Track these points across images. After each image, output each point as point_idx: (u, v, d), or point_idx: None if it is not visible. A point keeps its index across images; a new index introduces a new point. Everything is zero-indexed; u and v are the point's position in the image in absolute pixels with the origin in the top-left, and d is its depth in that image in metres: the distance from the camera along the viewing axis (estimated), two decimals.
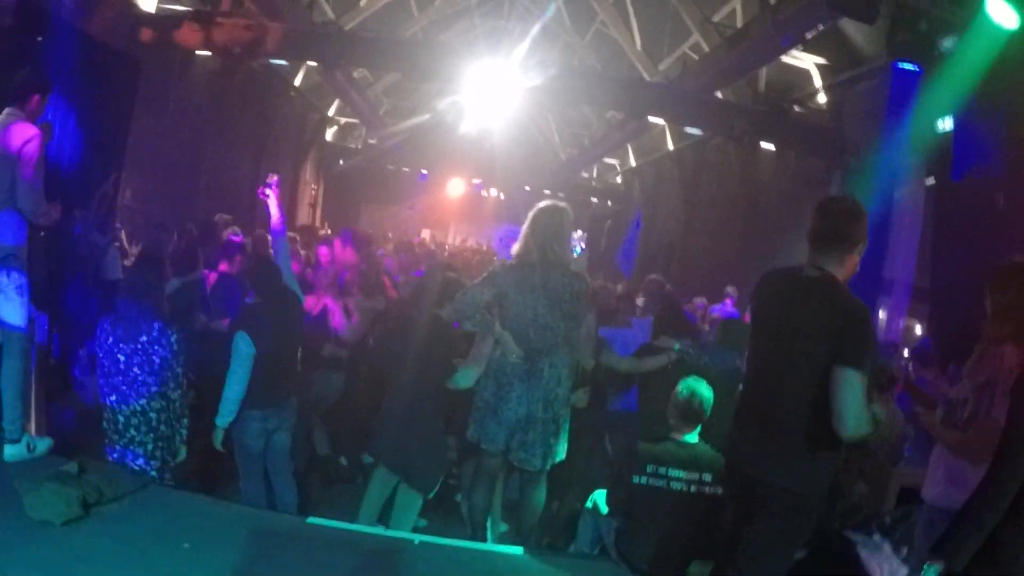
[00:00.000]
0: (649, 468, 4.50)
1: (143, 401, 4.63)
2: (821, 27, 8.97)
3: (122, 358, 4.61)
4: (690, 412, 4.67)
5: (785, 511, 3.47)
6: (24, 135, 4.61)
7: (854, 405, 3.24)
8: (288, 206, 20.84)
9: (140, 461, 4.70)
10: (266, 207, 5.66)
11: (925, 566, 2.90)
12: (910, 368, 7.67)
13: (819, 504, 3.54)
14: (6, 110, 4.70)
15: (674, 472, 4.49)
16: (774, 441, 3.53)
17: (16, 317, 4.73)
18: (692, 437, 4.68)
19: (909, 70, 8.11)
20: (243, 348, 5.00)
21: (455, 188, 28.43)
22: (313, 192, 25.23)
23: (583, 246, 5.23)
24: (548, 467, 4.95)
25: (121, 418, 4.66)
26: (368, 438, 5.46)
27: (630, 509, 4.60)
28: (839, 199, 3.75)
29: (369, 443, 5.44)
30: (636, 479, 4.50)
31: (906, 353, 9.16)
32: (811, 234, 3.57)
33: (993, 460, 2.93)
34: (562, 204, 5.03)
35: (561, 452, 4.97)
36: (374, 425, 5.32)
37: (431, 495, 5.24)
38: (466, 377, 4.93)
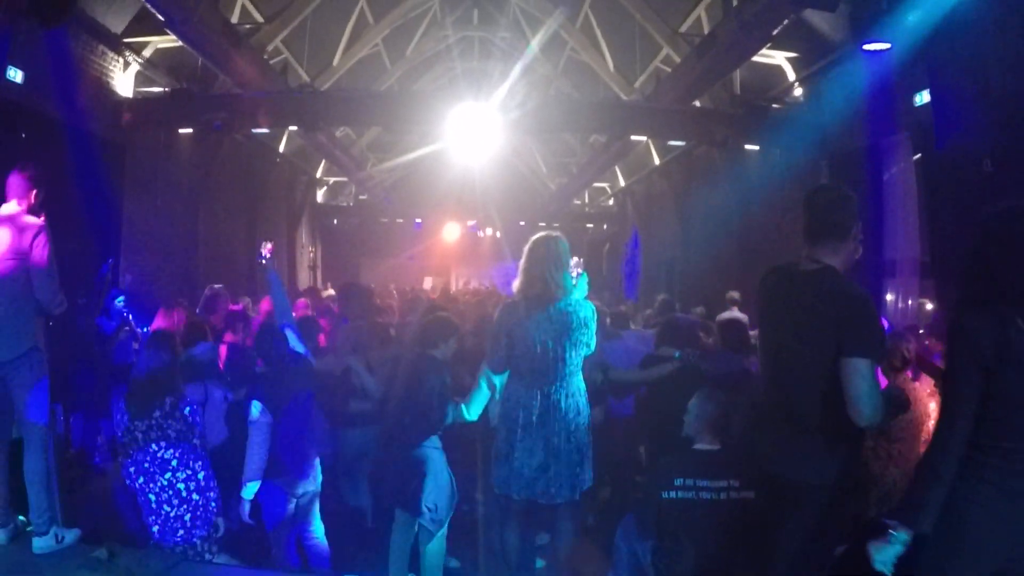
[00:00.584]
0: (677, 481, 4.45)
1: (168, 475, 4.63)
2: (786, 22, 9.06)
3: (140, 435, 4.63)
4: (711, 420, 4.66)
5: (812, 506, 3.45)
6: (34, 229, 4.68)
7: (866, 392, 3.24)
8: (288, 270, 20.96)
9: (181, 535, 4.68)
10: (269, 277, 5.68)
11: (892, 534, 2.89)
12: (927, 344, 7.64)
13: (846, 495, 3.51)
14: (6, 206, 4.76)
15: (702, 482, 4.46)
16: (793, 437, 3.52)
17: (38, 411, 4.75)
18: (715, 444, 4.66)
19: (878, 50, 8.15)
20: (259, 417, 5.01)
21: (451, 232, 28.54)
22: (311, 254, 25.38)
23: (578, 271, 5.20)
24: (578, 496, 4.89)
25: (152, 496, 4.66)
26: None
27: (664, 527, 4.56)
28: (823, 189, 3.78)
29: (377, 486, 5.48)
30: (665, 494, 4.47)
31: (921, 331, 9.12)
32: (804, 228, 3.59)
33: (939, 411, 2.95)
34: (555, 233, 5.01)
35: (588, 480, 4.91)
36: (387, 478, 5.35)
37: (443, 530, 5.23)
38: (470, 411, 5.04)
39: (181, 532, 4.68)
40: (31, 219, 4.75)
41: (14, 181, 4.79)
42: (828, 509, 3.45)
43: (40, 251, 4.68)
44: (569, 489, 4.79)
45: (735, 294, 11.37)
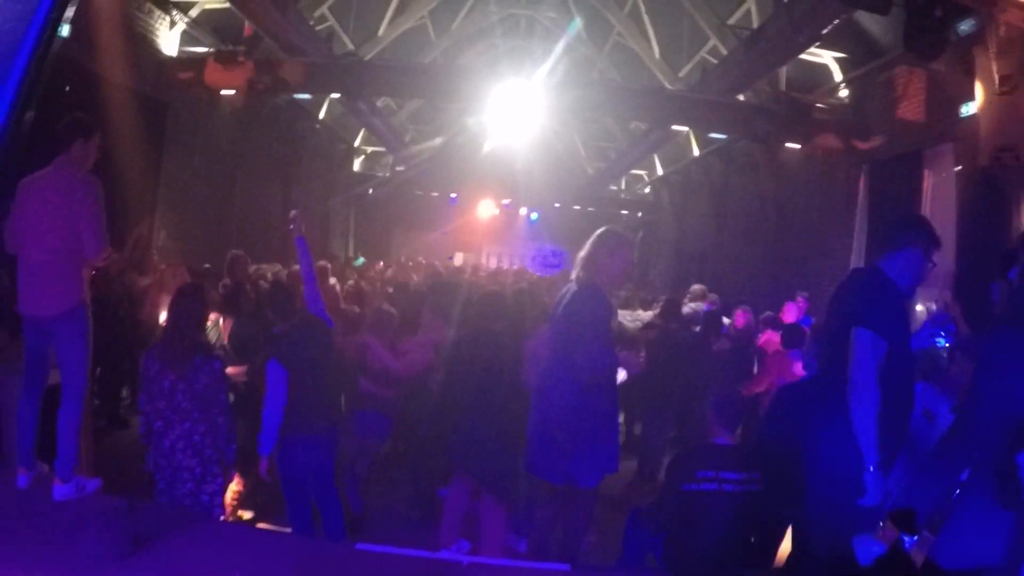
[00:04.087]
0: (700, 474, 4.48)
1: (187, 425, 4.73)
2: (836, 21, 8.94)
3: (167, 384, 4.71)
4: (726, 417, 4.67)
5: (817, 502, 3.50)
6: (78, 182, 4.70)
7: (858, 361, 3.37)
8: (320, 236, 21.07)
9: (188, 486, 4.77)
10: (296, 242, 5.71)
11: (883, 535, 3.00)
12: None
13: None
14: (55, 160, 4.78)
15: (725, 474, 4.47)
16: (823, 422, 3.60)
17: (80, 364, 4.83)
18: (731, 439, 4.67)
19: (928, 58, 8.02)
20: (274, 375, 5.11)
21: (485, 209, 28.47)
22: (345, 222, 25.51)
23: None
24: (559, 484, 4.95)
25: (167, 443, 4.75)
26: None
27: (681, 518, 4.58)
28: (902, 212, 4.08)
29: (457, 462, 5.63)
30: (686, 487, 4.49)
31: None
32: None
33: (953, 425, 3.01)
34: (610, 230, 5.08)
35: (573, 475, 4.87)
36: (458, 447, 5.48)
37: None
38: None
39: (190, 484, 4.77)
40: (81, 174, 4.76)
41: (65, 133, 4.79)
42: (831, 506, 3.50)
43: (91, 207, 4.70)
44: (546, 472, 4.90)
45: (803, 296, 11.08)
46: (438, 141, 24.57)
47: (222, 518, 5.03)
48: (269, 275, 9.52)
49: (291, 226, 5.76)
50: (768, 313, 9.89)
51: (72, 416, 4.80)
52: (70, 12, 5.38)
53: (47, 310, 4.71)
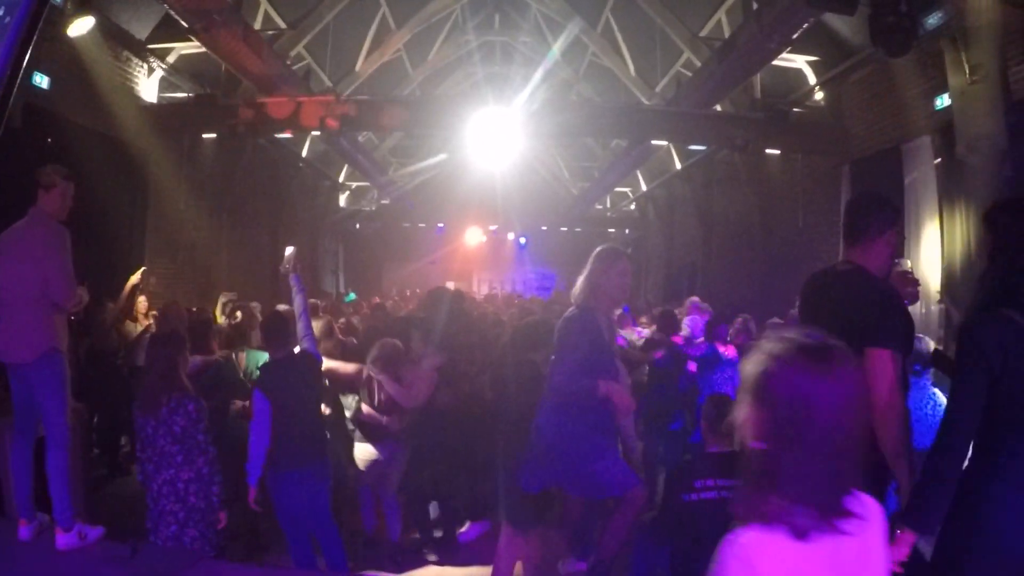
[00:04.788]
0: (697, 483, 4.47)
1: (171, 471, 4.76)
2: (806, 25, 9.03)
3: (149, 430, 4.75)
4: (715, 423, 4.66)
5: None
6: (46, 231, 4.78)
7: (884, 384, 3.25)
8: (310, 274, 21.07)
9: (172, 529, 4.77)
10: (292, 279, 5.75)
11: (899, 536, 2.88)
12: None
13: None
14: (29, 212, 4.87)
15: (723, 481, 4.46)
16: None
17: (58, 410, 4.86)
18: (725, 446, 4.66)
19: (898, 53, 8.09)
20: (258, 405, 5.12)
21: (473, 236, 28.59)
22: (334, 258, 25.52)
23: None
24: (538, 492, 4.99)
25: (155, 486, 4.79)
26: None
27: (684, 530, 4.56)
28: (859, 194, 3.87)
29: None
30: (686, 497, 4.47)
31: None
32: (842, 232, 3.78)
33: (944, 414, 2.97)
34: (604, 247, 5.03)
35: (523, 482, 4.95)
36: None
37: None
38: None
39: (174, 527, 4.78)
40: (50, 223, 4.84)
41: (38, 184, 4.89)
42: None
43: (54, 252, 4.78)
44: (524, 481, 4.93)
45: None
46: (420, 167, 24.67)
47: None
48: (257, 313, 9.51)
49: (287, 264, 5.81)
50: (775, 319, 9.78)
51: (59, 463, 4.82)
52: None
53: (20, 356, 4.78)
